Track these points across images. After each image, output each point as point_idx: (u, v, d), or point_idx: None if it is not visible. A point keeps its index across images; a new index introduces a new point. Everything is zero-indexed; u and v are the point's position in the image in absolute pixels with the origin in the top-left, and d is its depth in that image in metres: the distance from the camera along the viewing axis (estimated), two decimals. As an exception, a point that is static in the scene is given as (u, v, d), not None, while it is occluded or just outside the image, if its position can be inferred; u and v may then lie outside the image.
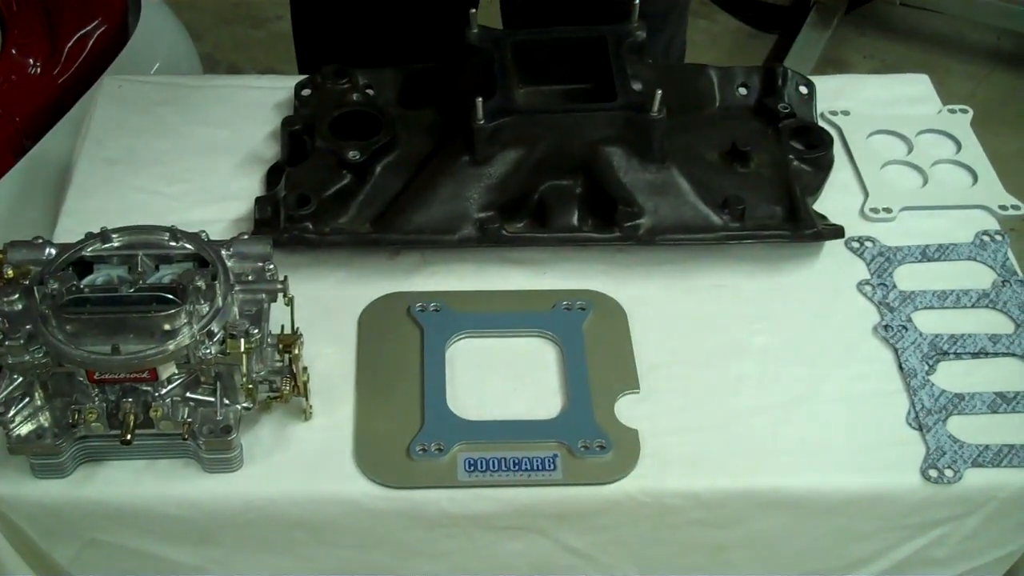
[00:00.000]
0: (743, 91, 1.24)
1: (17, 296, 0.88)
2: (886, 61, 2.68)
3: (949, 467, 0.94)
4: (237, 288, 0.91)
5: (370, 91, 1.21)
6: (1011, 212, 1.17)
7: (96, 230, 0.93)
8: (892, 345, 1.04)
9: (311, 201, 1.07)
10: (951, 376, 1.02)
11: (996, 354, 1.04)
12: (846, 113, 1.26)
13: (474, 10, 1.16)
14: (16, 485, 0.91)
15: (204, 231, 0.94)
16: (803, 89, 1.24)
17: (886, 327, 1.05)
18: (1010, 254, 1.13)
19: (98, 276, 0.91)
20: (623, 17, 1.17)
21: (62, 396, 0.90)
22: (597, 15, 1.19)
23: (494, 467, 0.93)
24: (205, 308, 0.88)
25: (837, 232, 1.10)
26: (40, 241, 0.93)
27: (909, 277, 1.10)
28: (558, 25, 1.20)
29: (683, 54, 1.55)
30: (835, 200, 1.16)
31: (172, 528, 0.93)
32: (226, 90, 1.29)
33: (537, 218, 1.10)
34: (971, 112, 1.28)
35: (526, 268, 1.09)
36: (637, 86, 1.11)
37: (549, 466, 0.93)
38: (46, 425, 0.89)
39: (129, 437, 0.88)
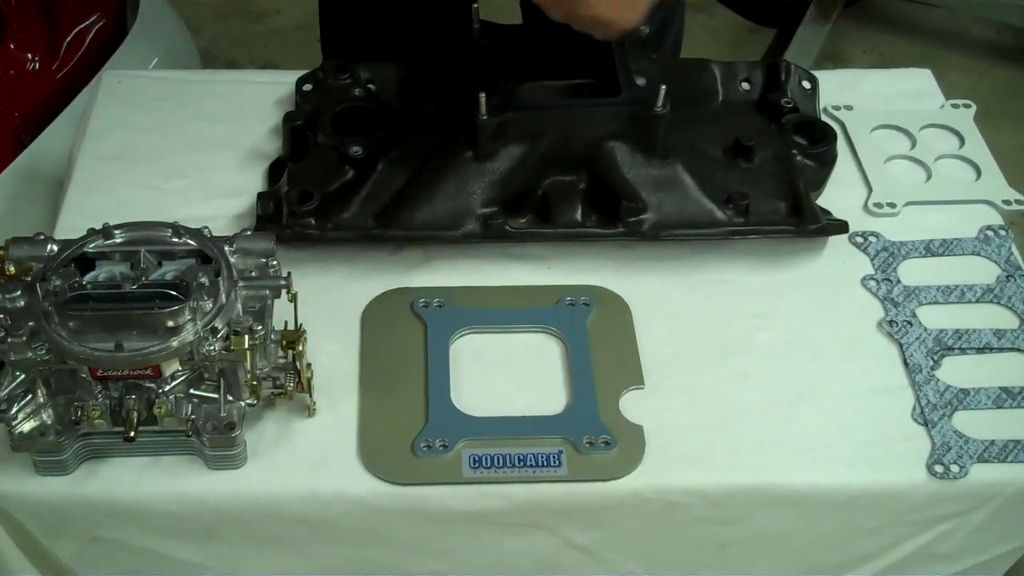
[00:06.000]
0: (746, 86, 1.23)
1: (19, 293, 0.88)
2: (885, 55, 2.68)
3: (955, 463, 0.94)
4: (240, 284, 0.91)
5: (372, 86, 1.21)
6: (1015, 207, 1.16)
7: (97, 226, 0.92)
8: (897, 340, 1.03)
9: (314, 197, 1.07)
10: (956, 371, 1.01)
11: (1001, 349, 1.03)
12: (849, 108, 1.26)
13: (476, 5, 1.15)
14: (19, 482, 0.91)
15: (207, 227, 0.94)
16: (806, 84, 1.23)
17: (891, 322, 1.05)
18: (1014, 249, 1.12)
19: (100, 272, 0.90)
20: None
21: (65, 393, 0.89)
22: None
23: (499, 463, 0.93)
24: (209, 305, 0.87)
25: (841, 227, 1.10)
26: (42, 237, 0.93)
27: (913, 272, 1.10)
28: None
29: (679, 43, 1.54)
30: (839, 195, 1.16)
31: (175, 525, 0.93)
32: (227, 85, 1.28)
33: (540, 214, 1.09)
34: (974, 107, 1.27)
35: (529, 263, 1.09)
36: (641, 81, 1.11)
37: (554, 462, 0.93)
38: (49, 422, 0.89)
39: (132, 434, 0.87)
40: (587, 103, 1.11)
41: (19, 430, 0.88)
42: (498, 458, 0.93)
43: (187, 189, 1.15)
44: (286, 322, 0.94)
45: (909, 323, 1.05)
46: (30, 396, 0.88)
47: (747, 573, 1.02)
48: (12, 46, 1.49)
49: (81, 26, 1.56)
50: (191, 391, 0.90)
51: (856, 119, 1.25)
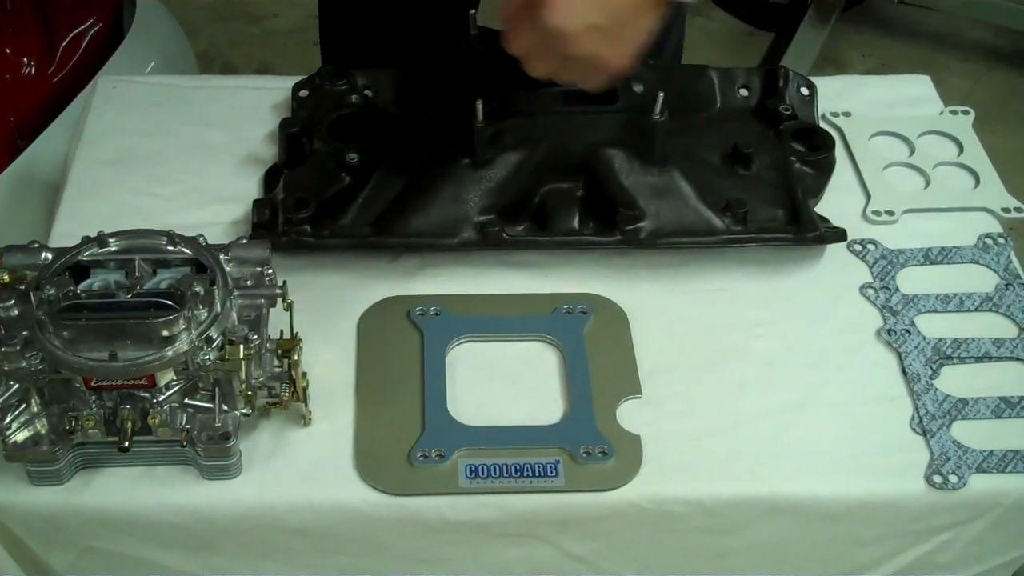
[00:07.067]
0: (744, 92, 1.23)
1: (13, 301, 0.87)
2: (884, 59, 2.68)
3: (953, 473, 0.94)
4: (236, 293, 0.90)
5: (368, 92, 1.20)
6: (1014, 215, 1.16)
7: (92, 234, 0.92)
8: (895, 349, 1.03)
9: (310, 204, 1.06)
10: (955, 381, 1.01)
11: (1000, 358, 1.03)
12: (847, 115, 1.26)
13: (474, 11, 1.15)
14: (13, 492, 0.90)
15: (202, 235, 0.93)
16: (804, 90, 1.23)
17: (889, 331, 1.04)
18: (1013, 257, 1.12)
19: (95, 281, 0.90)
20: None
21: (59, 402, 0.89)
22: None
23: (495, 473, 0.92)
24: (204, 314, 0.87)
25: (839, 235, 1.10)
26: (36, 245, 0.92)
27: (912, 280, 1.09)
28: None
29: (680, 50, 1.54)
30: (837, 202, 1.15)
31: (170, 535, 0.92)
32: (223, 91, 1.27)
33: (538, 221, 1.09)
34: (972, 113, 1.27)
35: (527, 271, 1.09)
36: (638, 88, 1.10)
37: (551, 472, 0.93)
38: (43, 432, 0.88)
39: (127, 444, 0.87)
40: (584, 110, 1.11)
41: (13, 440, 0.87)
42: (495, 468, 0.93)
43: (183, 195, 1.14)
44: (281, 331, 0.94)
45: (908, 332, 1.04)
46: (24, 406, 0.88)
47: (745, 582, 1.01)
48: (7, 50, 1.48)
49: (77, 30, 1.56)
50: (186, 401, 0.89)
51: (855, 126, 1.25)
